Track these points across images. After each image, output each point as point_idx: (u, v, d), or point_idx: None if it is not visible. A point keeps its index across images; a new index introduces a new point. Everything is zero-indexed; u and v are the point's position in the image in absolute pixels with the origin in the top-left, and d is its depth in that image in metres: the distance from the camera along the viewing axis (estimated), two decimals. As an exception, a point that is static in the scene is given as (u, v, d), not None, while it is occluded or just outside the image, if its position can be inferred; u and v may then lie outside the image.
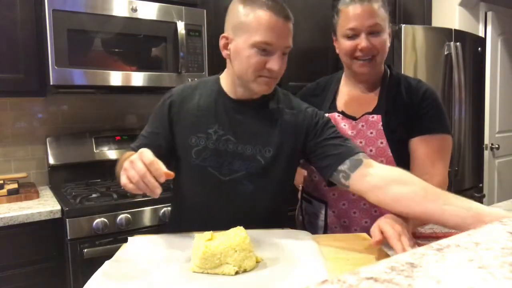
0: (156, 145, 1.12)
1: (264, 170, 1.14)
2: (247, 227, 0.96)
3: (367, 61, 1.18)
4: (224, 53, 1.12)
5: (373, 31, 1.15)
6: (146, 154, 0.88)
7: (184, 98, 1.18)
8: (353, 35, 1.17)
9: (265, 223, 1.08)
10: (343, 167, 1.04)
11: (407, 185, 0.95)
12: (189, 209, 1.18)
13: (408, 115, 1.19)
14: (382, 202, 0.99)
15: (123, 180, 0.90)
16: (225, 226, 0.99)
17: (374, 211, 1.22)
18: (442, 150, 1.19)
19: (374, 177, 0.99)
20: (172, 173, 0.90)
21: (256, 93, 1.13)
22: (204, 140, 1.13)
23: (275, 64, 1.05)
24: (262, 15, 1.04)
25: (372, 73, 1.22)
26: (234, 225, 0.98)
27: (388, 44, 1.21)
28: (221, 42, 1.12)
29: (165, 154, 1.13)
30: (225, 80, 1.18)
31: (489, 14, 3.31)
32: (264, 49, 1.05)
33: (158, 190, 0.86)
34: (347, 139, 1.11)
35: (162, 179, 0.87)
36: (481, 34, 3.28)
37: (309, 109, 1.19)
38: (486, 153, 3.30)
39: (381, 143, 1.19)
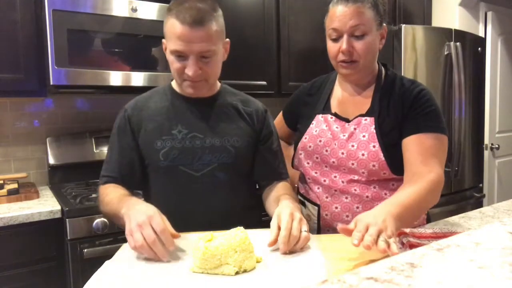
0: (129, 161, 1.19)
1: (236, 159, 1.19)
2: (225, 224, 0.97)
3: (349, 64, 1.17)
4: (166, 56, 1.18)
5: (356, 33, 1.13)
6: (157, 220, 0.91)
7: (140, 108, 1.23)
8: (337, 36, 1.16)
9: (241, 219, 1.06)
10: (269, 186, 1.27)
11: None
12: (166, 213, 1.17)
13: (401, 117, 1.17)
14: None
15: (131, 243, 0.90)
16: (203, 225, 1.01)
17: None
18: (436, 149, 1.13)
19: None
20: (178, 234, 0.94)
21: (188, 94, 1.19)
22: (169, 141, 1.17)
23: (189, 69, 1.10)
24: (171, 24, 1.09)
25: (357, 75, 1.20)
26: (211, 223, 0.99)
27: (376, 46, 1.18)
28: (163, 46, 1.19)
29: (139, 168, 1.20)
30: (175, 83, 1.24)
31: (489, 14, 3.31)
32: (179, 56, 1.10)
33: (167, 258, 0.89)
34: (281, 160, 1.29)
35: (172, 248, 0.90)
36: (481, 34, 3.28)
37: (267, 112, 1.29)
38: (486, 153, 3.30)
39: (374, 147, 1.15)
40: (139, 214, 0.92)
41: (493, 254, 0.43)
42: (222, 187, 1.18)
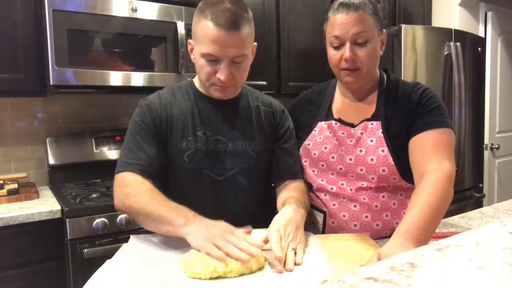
0: (156, 153, 1.13)
1: (257, 163, 1.18)
2: (241, 224, 0.97)
3: (352, 72, 1.15)
4: (191, 57, 1.15)
5: (358, 41, 1.12)
6: (238, 232, 0.92)
7: (165, 104, 1.17)
8: (339, 44, 1.14)
9: (257, 218, 1.08)
10: (282, 184, 1.22)
11: None
12: None
13: (409, 117, 1.15)
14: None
15: (209, 247, 0.87)
16: None
17: (376, 225, 1.17)
18: (442, 143, 1.09)
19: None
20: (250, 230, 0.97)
21: (215, 97, 1.16)
22: (194, 143, 1.14)
23: (221, 74, 1.07)
24: (205, 27, 1.05)
25: (360, 83, 1.19)
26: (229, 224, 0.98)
27: (377, 54, 1.17)
28: (189, 47, 1.16)
29: (164, 162, 1.15)
30: (198, 82, 1.21)
31: (489, 14, 3.31)
32: (211, 60, 1.07)
33: (254, 251, 0.87)
34: (296, 159, 1.24)
35: (257, 248, 0.88)
36: (481, 34, 3.28)
37: (284, 112, 1.28)
38: (486, 153, 3.30)
39: (382, 151, 1.13)
40: (219, 225, 0.93)
41: (493, 254, 0.43)
42: (242, 191, 1.17)
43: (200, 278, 0.84)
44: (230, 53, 1.06)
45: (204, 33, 1.05)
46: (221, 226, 0.94)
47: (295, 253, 0.92)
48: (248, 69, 1.15)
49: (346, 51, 1.12)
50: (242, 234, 0.91)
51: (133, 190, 1.06)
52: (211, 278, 0.84)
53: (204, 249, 0.88)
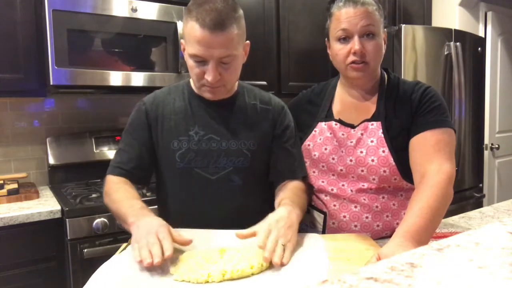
0: (137, 156, 1.16)
1: (251, 163, 1.17)
2: (238, 227, 0.96)
3: (360, 66, 1.14)
4: (185, 57, 1.14)
5: (366, 33, 1.12)
6: (162, 231, 0.90)
7: (159, 103, 1.19)
8: (346, 36, 1.14)
9: (254, 219, 1.06)
10: (280, 185, 1.20)
11: None
12: (178, 213, 1.17)
13: (409, 117, 1.14)
14: None
15: (135, 250, 0.88)
16: (215, 226, 1.00)
17: (377, 226, 1.17)
18: (443, 143, 1.08)
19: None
20: (189, 240, 0.92)
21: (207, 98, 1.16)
22: (186, 142, 1.14)
23: (208, 75, 1.06)
24: (191, 27, 1.04)
25: (366, 78, 1.18)
26: (224, 224, 0.98)
27: (383, 49, 1.17)
28: (181, 47, 1.15)
29: (149, 164, 1.18)
30: (194, 85, 1.20)
31: (489, 14, 3.32)
32: (198, 61, 1.06)
33: (159, 260, 0.84)
34: (296, 158, 1.22)
35: (168, 253, 0.85)
36: (481, 34, 3.28)
37: (284, 109, 1.26)
38: (486, 153, 3.30)
39: (383, 151, 1.13)
40: (149, 225, 0.93)
41: (493, 254, 0.43)
42: (236, 190, 1.16)
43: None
44: (217, 54, 1.04)
45: (190, 34, 1.04)
46: (151, 226, 0.92)
47: (284, 250, 0.89)
48: (239, 69, 1.13)
49: (356, 43, 1.12)
50: (165, 235, 0.88)
51: (109, 189, 1.13)
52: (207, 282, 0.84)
53: (133, 249, 0.90)
